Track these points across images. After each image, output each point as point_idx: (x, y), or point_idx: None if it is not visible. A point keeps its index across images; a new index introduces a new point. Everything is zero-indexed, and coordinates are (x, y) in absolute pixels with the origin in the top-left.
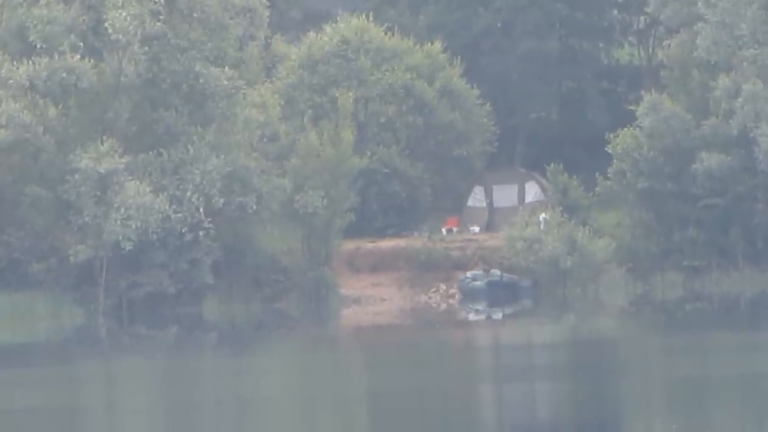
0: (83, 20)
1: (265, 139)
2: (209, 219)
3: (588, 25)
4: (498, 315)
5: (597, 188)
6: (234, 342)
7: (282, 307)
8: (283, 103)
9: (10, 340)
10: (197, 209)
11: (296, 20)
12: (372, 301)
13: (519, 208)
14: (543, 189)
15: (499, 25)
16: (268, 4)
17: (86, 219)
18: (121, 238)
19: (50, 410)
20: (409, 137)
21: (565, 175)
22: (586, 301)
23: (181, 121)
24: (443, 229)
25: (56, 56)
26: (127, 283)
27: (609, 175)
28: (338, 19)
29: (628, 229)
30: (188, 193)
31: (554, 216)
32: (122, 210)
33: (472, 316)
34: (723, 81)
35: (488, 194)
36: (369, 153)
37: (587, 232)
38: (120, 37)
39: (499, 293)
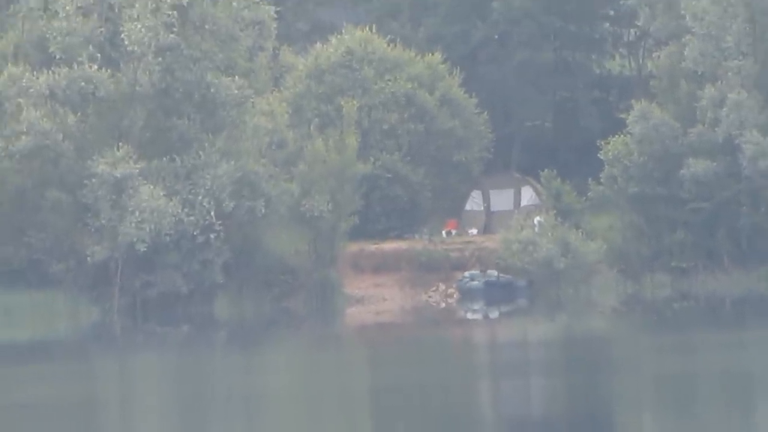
0: (100, 32)
1: (273, 146)
2: (220, 222)
3: (580, 37)
4: (494, 314)
5: (589, 193)
6: (244, 339)
7: (289, 306)
8: (290, 111)
9: (30, 337)
10: (208, 212)
11: (303, 32)
12: (375, 300)
13: (515, 212)
14: (537, 193)
15: (495, 36)
16: (276, 16)
17: (103, 222)
18: (135, 240)
19: (67, 405)
20: (410, 143)
21: (559, 180)
22: (578, 301)
23: (193, 129)
24: (443, 232)
25: (75, 66)
26: (141, 282)
27: (601, 180)
28: (343, 31)
29: (619, 232)
30: (200, 197)
31: (548, 219)
32: (137, 213)
33: (470, 315)
34: (709, 91)
35: (485, 198)
36: (372, 159)
37: (580, 234)
38: (135, 48)
39: (495, 293)
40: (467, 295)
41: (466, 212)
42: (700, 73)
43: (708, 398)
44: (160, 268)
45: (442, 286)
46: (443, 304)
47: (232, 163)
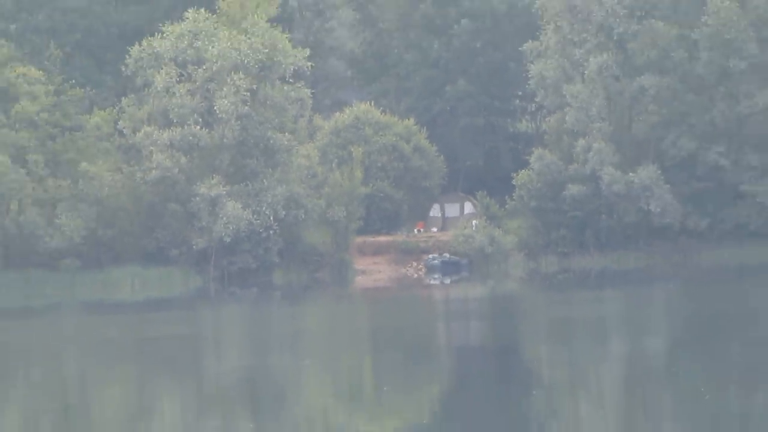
0: (201, 105)
1: (309, 176)
2: (276, 224)
3: (501, 109)
4: (447, 281)
5: (506, 205)
6: (291, 297)
7: (319, 276)
8: (319, 155)
9: (158, 296)
10: (269, 218)
11: (327, 105)
12: (373, 273)
13: (460, 217)
14: (474, 206)
15: (448, 108)
16: (311, 95)
17: (203, 224)
18: (223, 235)
19: (183, 337)
20: (394, 175)
21: (488, 198)
22: (499, 273)
23: (260, 166)
24: (415, 230)
25: (185, 126)
26: (227, 261)
27: (514, 198)
28: (353, 105)
29: (524, 230)
30: (263, 208)
31: (481, 222)
32: (224, 218)
33: (432, 282)
34: (581, 142)
35: (442, 209)
36: (371, 185)
37: (500, 231)
38: (223, 115)
39: (448, 268)
40: (431, 269)
41: (430, 218)
42: (575, 130)
43: (579, 333)
44: (239, 252)
45: (414, 264)
46: (416, 275)
47: (284, 187)
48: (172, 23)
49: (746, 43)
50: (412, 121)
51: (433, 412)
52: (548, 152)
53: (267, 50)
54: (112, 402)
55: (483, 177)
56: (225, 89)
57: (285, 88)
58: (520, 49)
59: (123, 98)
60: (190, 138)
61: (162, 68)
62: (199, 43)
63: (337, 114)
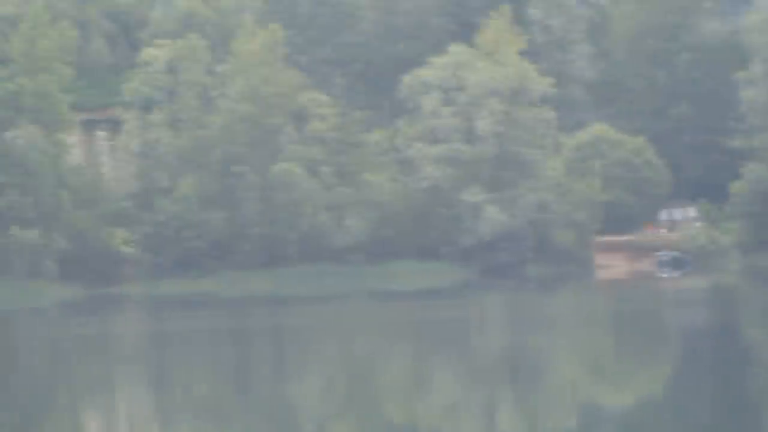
0: (463, 125)
1: (556, 185)
2: (529, 225)
3: (717, 128)
4: (676, 274)
5: (724, 210)
6: (543, 288)
7: (566, 270)
8: (564, 167)
9: (430, 286)
10: (523, 220)
11: (570, 125)
12: (611, 267)
13: (684, 220)
14: (697, 211)
15: (672, 128)
16: (555, 117)
17: (467, 225)
18: (484, 234)
19: (450, 321)
20: (628, 184)
21: (708, 203)
22: (719, 269)
23: (514, 176)
24: (645, 231)
25: (450, 143)
26: (488, 257)
27: (730, 204)
28: (591, 125)
29: (740, 231)
30: (518, 212)
31: (703, 224)
32: (485, 221)
33: (663, 275)
34: None
35: (669, 213)
36: (608, 192)
37: (719, 232)
38: (483, 133)
39: (676, 263)
40: (661, 264)
41: (658, 221)
42: None
43: None
44: (497, 250)
45: (647, 260)
46: (648, 269)
47: (535, 194)
48: (437, 56)
49: None
50: (641, 138)
51: (668, 386)
52: (758, 165)
53: (518, 78)
54: (395, 372)
55: (703, 186)
56: (483, 111)
57: (534, 110)
58: (732, 77)
59: (397, 119)
60: (455, 153)
61: (429, 94)
62: (461, 72)
63: (578, 133)
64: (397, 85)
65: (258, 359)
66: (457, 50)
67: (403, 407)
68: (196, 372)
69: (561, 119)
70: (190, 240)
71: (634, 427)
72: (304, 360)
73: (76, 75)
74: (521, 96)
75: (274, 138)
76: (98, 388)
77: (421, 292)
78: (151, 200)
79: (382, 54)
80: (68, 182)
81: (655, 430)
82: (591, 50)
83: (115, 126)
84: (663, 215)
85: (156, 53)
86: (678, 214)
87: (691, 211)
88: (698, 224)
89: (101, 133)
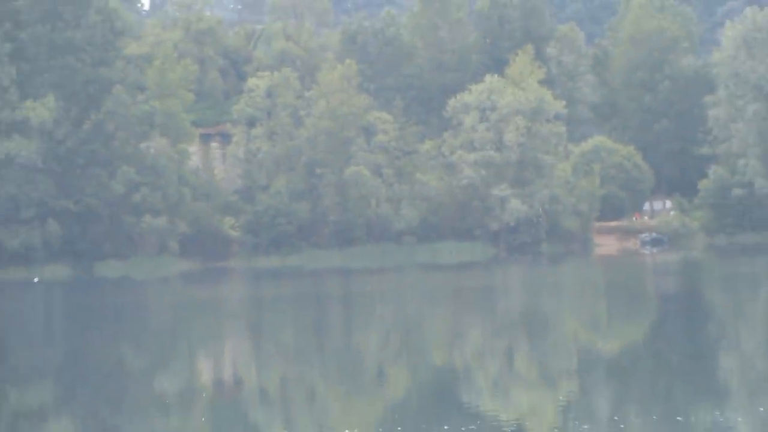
0: (495, 137)
1: (565, 183)
2: (543, 214)
3: (690, 139)
4: (654, 251)
5: (693, 202)
6: (554, 262)
7: (571, 248)
8: (572, 169)
9: (466, 261)
10: (538, 210)
11: (576, 137)
12: (606, 246)
13: (663, 210)
14: (672, 202)
15: (656, 138)
16: (566, 131)
17: (496, 213)
18: (509, 220)
19: (481, 288)
20: (620, 182)
21: (681, 197)
22: (688, 247)
23: (533, 176)
24: (633, 218)
25: (484, 151)
26: (511, 238)
27: (698, 198)
28: (593, 137)
29: (705, 218)
30: (535, 204)
31: (676, 213)
32: (510, 210)
33: (645, 252)
34: (741, 161)
35: (651, 205)
36: (605, 188)
37: (689, 219)
38: (509, 143)
39: (655, 243)
40: (644, 244)
41: (643, 210)
42: (738, 153)
43: (744, 281)
44: (519, 232)
45: (633, 240)
46: (634, 248)
47: (548, 190)
48: (476, 84)
49: None
50: (631, 147)
51: (647, 335)
52: (720, 168)
53: (537, 101)
54: (438, 326)
55: (677, 183)
56: (510, 126)
57: (549, 126)
58: (701, 100)
59: (444, 132)
60: (487, 158)
61: (469, 113)
62: (493, 96)
63: (582, 143)
64: (444, 106)
65: (333, 317)
66: (491, 79)
67: (444, 351)
68: (285, 326)
69: (570, 132)
70: (281, 225)
71: (620, 366)
72: (368, 317)
73: (196, 99)
74: (539, 114)
75: (348, 147)
76: (211, 338)
77: (459, 265)
78: (252, 195)
79: (433, 82)
80: (188, 181)
81: (635, 367)
82: (594, 80)
83: (225, 138)
84: (646, 206)
85: (258, 82)
86: (658, 205)
87: (668, 203)
88: (673, 213)
89: (214, 144)
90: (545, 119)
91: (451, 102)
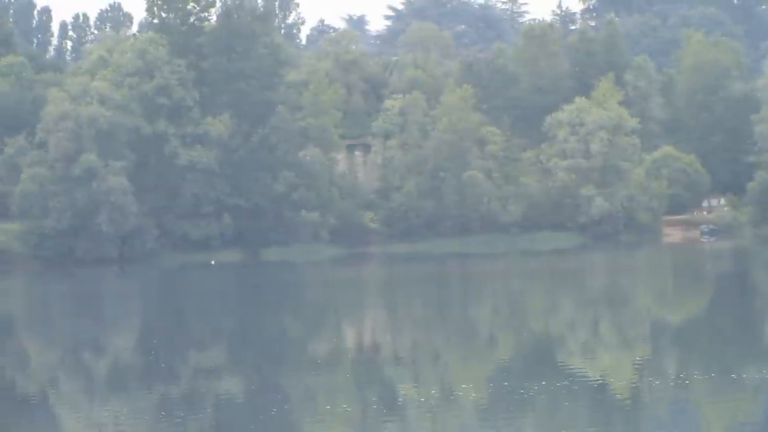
0: (582, 147)
1: (640, 185)
2: (623, 209)
3: (741, 149)
4: (712, 239)
5: (743, 200)
6: (633, 248)
7: (645, 237)
8: (645, 174)
9: (559, 247)
10: (619, 207)
11: (649, 147)
12: (672, 235)
13: (718, 206)
14: (726, 200)
15: (711, 148)
16: (638, 141)
17: (584, 209)
18: (595, 215)
19: (569, 270)
20: (684, 184)
21: (734, 196)
22: (738, 236)
23: (614, 179)
24: (694, 213)
25: (574, 159)
26: (597, 229)
27: (747, 197)
28: (662, 147)
29: (752, 213)
30: (616, 203)
31: (729, 209)
32: (595, 207)
33: (704, 240)
34: None
35: (709, 202)
36: (671, 189)
37: (739, 214)
38: (595, 153)
39: (712, 233)
40: (703, 233)
41: (702, 206)
42: None
43: None
44: (603, 224)
45: (694, 230)
46: (695, 237)
47: (626, 191)
48: (567, 104)
49: None
50: (693, 156)
51: (707, 308)
52: (764, 172)
53: (617, 119)
54: (537, 300)
55: (730, 185)
56: (595, 139)
57: (626, 138)
58: (749, 117)
59: (541, 144)
60: (577, 164)
61: (562, 128)
62: (582, 114)
63: (653, 152)
64: (542, 122)
65: (453, 293)
66: (579, 101)
67: (541, 320)
68: (414, 300)
69: (643, 143)
70: (411, 218)
71: (684, 332)
72: (481, 293)
73: (343, 116)
74: (619, 129)
75: (465, 155)
76: (354, 310)
77: (553, 251)
78: (387, 194)
79: (533, 103)
80: (336, 183)
81: (697, 334)
82: (662, 101)
83: (366, 148)
84: (704, 203)
85: (393, 103)
86: (714, 202)
87: (722, 201)
88: (726, 208)
89: (358, 153)
90: (623, 133)
91: (548, 119)
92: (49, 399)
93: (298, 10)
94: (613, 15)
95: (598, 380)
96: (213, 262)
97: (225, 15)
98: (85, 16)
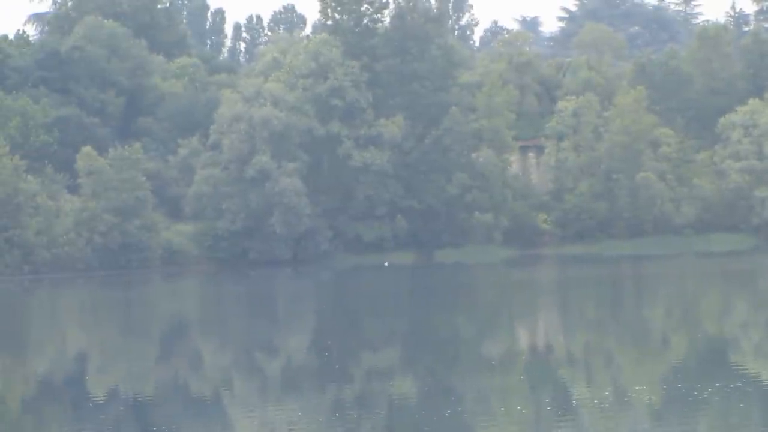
0: None
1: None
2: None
3: None
4: None
5: None
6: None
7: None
8: None
9: (729, 250)
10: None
11: None
12: None
13: None
14: None
15: None
16: None
17: (757, 210)
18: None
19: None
20: None
21: None
22: None
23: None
24: None
25: None
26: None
27: None
28: None
29: None
30: None
31: None
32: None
33: None
34: None
35: None
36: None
37: None
38: None
39: None
40: None
41: None
42: None
43: None
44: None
45: None
46: None
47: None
48: (741, 106)
49: None
50: None
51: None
52: None
53: None
54: (709, 303)
55: None
56: None
57: None
58: None
59: (715, 145)
60: (751, 166)
61: (735, 129)
62: (755, 116)
63: None
64: (716, 123)
65: (626, 294)
66: (753, 102)
67: (715, 322)
68: (587, 301)
69: None
70: (584, 220)
71: None
72: (654, 294)
73: (516, 118)
74: None
75: (638, 157)
76: (527, 311)
77: (727, 253)
78: (561, 195)
79: (706, 104)
80: (509, 184)
81: None
82: None
83: (539, 150)
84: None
85: (566, 105)
86: None
87: None
88: None
89: (531, 154)
90: None
91: (721, 120)
92: (222, 400)
93: (472, 11)
94: None
95: None
96: (386, 264)
97: (398, 17)
98: (258, 17)
